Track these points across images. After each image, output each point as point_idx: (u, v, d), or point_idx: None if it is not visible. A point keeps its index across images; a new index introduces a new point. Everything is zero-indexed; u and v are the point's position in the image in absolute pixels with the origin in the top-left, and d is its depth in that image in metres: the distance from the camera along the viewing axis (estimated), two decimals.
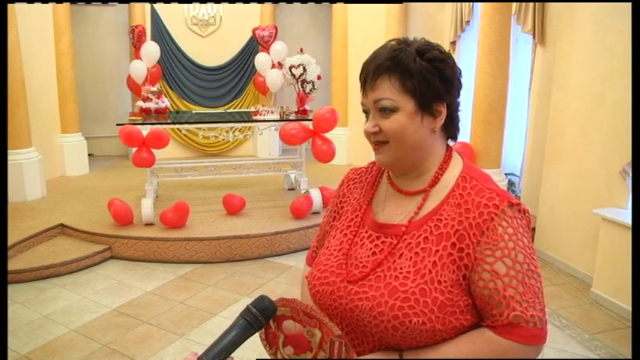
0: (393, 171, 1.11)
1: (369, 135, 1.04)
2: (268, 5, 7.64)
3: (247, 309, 0.98)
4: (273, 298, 1.03)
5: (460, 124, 1.09)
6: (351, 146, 7.39)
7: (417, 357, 0.97)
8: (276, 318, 1.02)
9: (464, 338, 0.96)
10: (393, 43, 1.03)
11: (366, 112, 1.05)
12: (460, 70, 1.05)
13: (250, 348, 1.05)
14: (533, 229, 4.19)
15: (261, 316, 0.98)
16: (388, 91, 0.99)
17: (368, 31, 6.86)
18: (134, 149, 4.73)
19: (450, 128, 1.07)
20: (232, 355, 0.96)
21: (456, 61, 1.05)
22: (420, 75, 0.98)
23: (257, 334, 1.02)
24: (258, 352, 1.10)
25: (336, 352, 0.97)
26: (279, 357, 1.03)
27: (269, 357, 1.06)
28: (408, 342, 0.97)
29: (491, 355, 0.94)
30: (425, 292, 0.95)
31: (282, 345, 1.03)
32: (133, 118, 5.10)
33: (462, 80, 1.05)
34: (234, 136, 5.36)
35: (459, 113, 1.07)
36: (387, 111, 1.00)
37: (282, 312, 1.01)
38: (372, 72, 1.01)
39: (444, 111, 1.02)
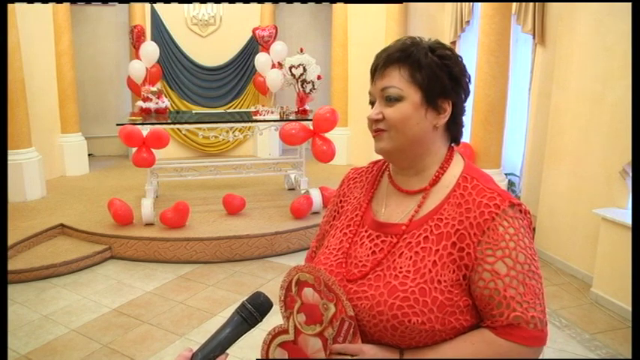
0: (392, 163, 1.11)
1: (371, 122, 1.06)
2: (268, 5, 7.63)
3: (243, 305, 0.98)
4: (272, 298, 1.02)
5: (463, 129, 1.10)
6: (351, 146, 7.39)
7: (416, 357, 0.97)
8: (299, 283, 1.03)
9: (463, 338, 0.96)
10: (406, 39, 1.06)
11: (372, 102, 1.07)
12: (469, 75, 1.06)
13: (250, 347, 1.05)
14: (534, 230, 4.23)
15: (256, 312, 0.97)
16: (396, 80, 1.01)
17: (368, 32, 6.86)
18: (134, 149, 4.73)
19: (453, 129, 1.07)
20: (227, 351, 0.95)
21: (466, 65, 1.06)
22: (429, 69, 1.00)
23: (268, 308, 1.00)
24: (259, 351, 1.10)
25: (343, 332, 0.97)
26: (291, 321, 1.04)
27: (281, 321, 1.06)
28: (407, 342, 0.97)
29: (490, 355, 0.94)
30: (425, 291, 0.95)
31: (297, 311, 1.03)
32: (133, 118, 5.10)
33: (470, 86, 1.07)
34: (234, 136, 5.36)
35: (463, 118, 1.08)
36: (392, 100, 1.02)
37: (305, 278, 1.02)
38: (383, 61, 1.04)
39: (449, 109, 1.03)
